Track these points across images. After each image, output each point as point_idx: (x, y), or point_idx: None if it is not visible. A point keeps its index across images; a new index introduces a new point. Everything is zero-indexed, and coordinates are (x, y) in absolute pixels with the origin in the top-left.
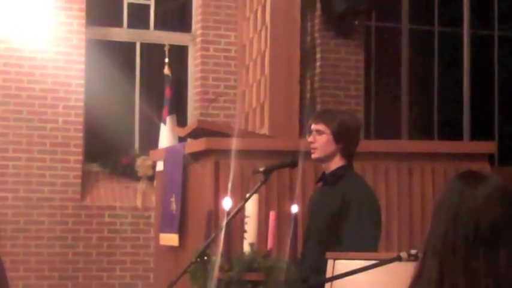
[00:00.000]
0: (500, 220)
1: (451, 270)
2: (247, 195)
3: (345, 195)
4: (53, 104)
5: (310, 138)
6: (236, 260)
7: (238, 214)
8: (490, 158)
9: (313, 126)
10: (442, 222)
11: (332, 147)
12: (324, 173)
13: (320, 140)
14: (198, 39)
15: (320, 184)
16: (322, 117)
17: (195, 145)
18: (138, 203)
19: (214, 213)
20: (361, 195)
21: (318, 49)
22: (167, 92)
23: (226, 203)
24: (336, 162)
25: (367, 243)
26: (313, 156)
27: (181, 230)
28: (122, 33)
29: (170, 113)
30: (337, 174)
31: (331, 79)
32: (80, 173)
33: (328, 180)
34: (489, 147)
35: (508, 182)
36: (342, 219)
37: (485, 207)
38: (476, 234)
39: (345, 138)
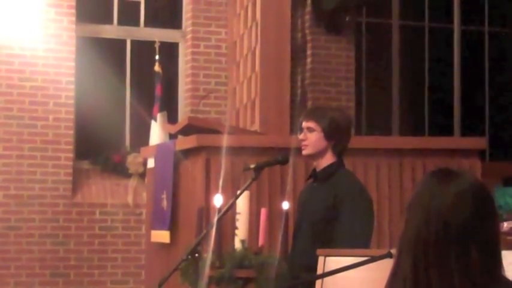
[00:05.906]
0: (470, 217)
1: (424, 267)
2: (238, 192)
3: (336, 192)
4: (44, 101)
5: (301, 136)
6: (227, 257)
7: (229, 211)
8: (480, 153)
9: (304, 124)
10: (414, 220)
11: (323, 144)
12: (314, 169)
13: (311, 137)
14: (189, 36)
15: (311, 181)
16: (312, 114)
17: (185, 142)
18: (129, 200)
19: (206, 210)
20: (352, 192)
21: (309, 45)
22: (158, 89)
23: (217, 200)
24: (327, 159)
25: (359, 240)
26: (304, 152)
27: (173, 227)
28: (112, 31)
29: (161, 110)
30: (329, 171)
31: (322, 75)
32: (70, 171)
33: (320, 177)
34: (480, 142)
35: (496, 177)
36: (334, 216)
37: (455, 205)
38: (446, 232)
39: (336, 135)
